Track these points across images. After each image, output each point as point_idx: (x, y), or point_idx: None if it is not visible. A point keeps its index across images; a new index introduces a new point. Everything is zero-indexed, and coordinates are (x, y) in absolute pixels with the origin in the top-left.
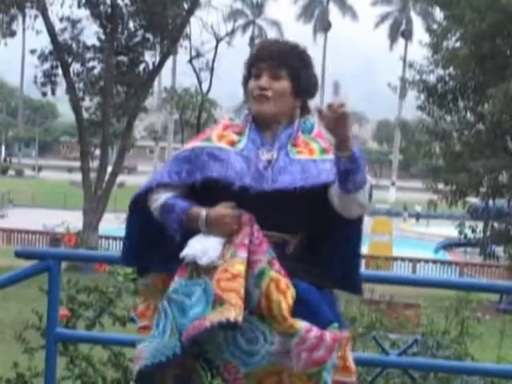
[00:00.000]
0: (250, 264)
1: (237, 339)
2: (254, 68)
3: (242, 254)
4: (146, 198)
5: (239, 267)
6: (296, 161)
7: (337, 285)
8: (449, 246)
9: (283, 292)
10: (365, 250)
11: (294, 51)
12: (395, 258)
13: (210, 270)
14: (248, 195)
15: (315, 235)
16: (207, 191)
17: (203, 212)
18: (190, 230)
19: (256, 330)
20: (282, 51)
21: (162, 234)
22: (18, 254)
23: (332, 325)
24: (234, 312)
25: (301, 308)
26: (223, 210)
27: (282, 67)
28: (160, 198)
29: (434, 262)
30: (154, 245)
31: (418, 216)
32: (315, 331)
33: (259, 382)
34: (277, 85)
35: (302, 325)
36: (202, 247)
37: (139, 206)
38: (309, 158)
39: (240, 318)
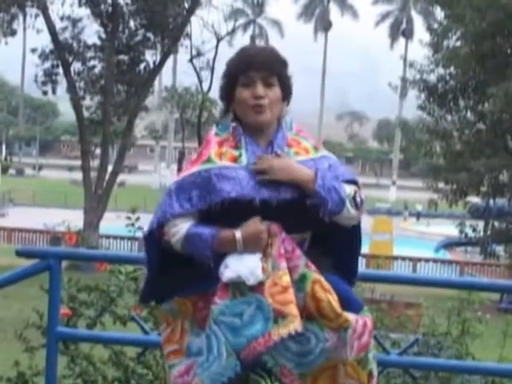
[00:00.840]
0: (289, 271)
1: (287, 344)
2: (242, 77)
3: (283, 264)
4: (160, 233)
5: (286, 278)
6: (299, 163)
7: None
8: (449, 245)
9: (328, 290)
10: (365, 249)
11: (279, 58)
12: (396, 258)
13: (256, 286)
14: (269, 206)
15: (320, 228)
16: (222, 212)
17: (238, 233)
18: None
19: (305, 332)
20: (271, 59)
21: (181, 260)
22: (19, 253)
23: (363, 310)
24: (297, 322)
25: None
26: (255, 226)
27: (274, 75)
28: (181, 230)
29: (435, 261)
30: (173, 272)
31: (418, 215)
32: (360, 319)
33: (315, 378)
34: (271, 93)
35: (351, 317)
36: (246, 267)
37: (153, 240)
38: (307, 157)
39: (301, 328)
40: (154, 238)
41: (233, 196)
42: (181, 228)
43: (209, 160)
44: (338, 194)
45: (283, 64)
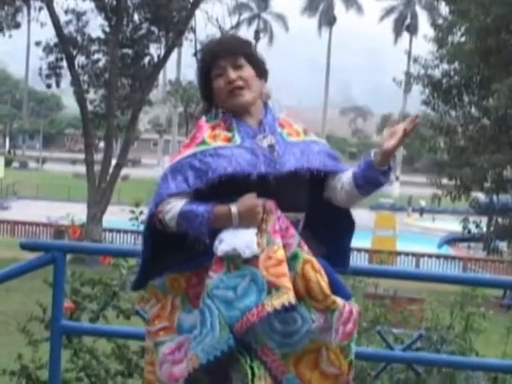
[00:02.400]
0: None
1: (272, 322)
2: (213, 69)
3: (278, 239)
4: (155, 214)
5: (281, 252)
6: (291, 143)
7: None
8: (452, 240)
9: (319, 271)
10: (368, 244)
11: (241, 39)
12: (399, 253)
13: (250, 260)
14: (265, 182)
15: (310, 213)
16: (218, 190)
17: (233, 208)
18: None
19: (292, 312)
20: (233, 43)
21: (174, 238)
22: (23, 246)
23: (351, 299)
24: (291, 294)
25: None
26: (251, 200)
27: (240, 56)
28: (175, 207)
29: (438, 256)
30: (166, 253)
31: (421, 211)
32: (347, 306)
33: (297, 360)
34: (243, 73)
35: (339, 300)
36: (241, 241)
37: (152, 226)
38: (299, 139)
39: (294, 300)
40: (153, 225)
41: (229, 171)
42: (175, 205)
43: (203, 142)
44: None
45: (246, 44)
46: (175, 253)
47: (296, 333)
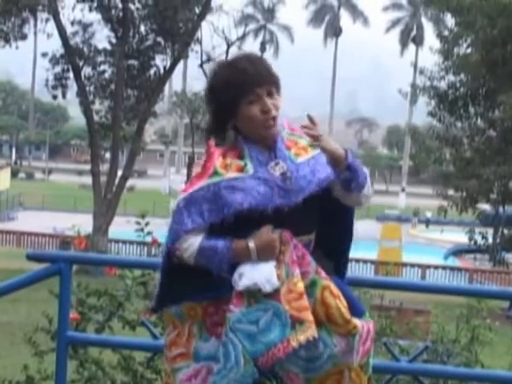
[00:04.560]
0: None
1: (296, 350)
2: (246, 96)
3: (296, 271)
4: (171, 251)
5: (300, 285)
6: (301, 164)
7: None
8: (459, 252)
9: (338, 296)
10: (374, 255)
11: (271, 67)
12: (405, 264)
13: (271, 294)
14: (280, 213)
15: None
16: (233, 223)
17: (251, 243)
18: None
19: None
20: (269, 70)
21: (192, 268)
22: (30, 257)
23: (365, 315)
24: (314, 328)
25: None
26: (268, 234)
27: (273, 85)
28: (193, 245)
29: (444, 268)
30: (184, 278)
31: (427, 222)
32: (365, 325)
33: (321, 383)
34: (276, 103)
35: (359, 323)
36: (262, 275)
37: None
38: (308, 156)
39: (317, 333)
40: (170, 257)
41: (245, 207)
42: (193, 242)
43: (215, 173)
44: (363, 169)
45: (274, 71)
46: (192, 282)
47: (319, 358)
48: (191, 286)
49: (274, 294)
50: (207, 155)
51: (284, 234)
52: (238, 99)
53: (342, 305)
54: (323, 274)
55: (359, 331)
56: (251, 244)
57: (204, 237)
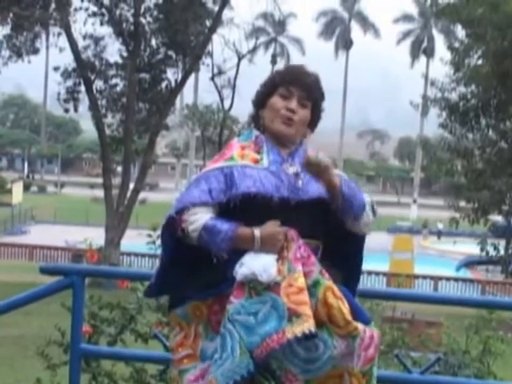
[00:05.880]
0: (303, 276)
1: (294, 348)
2: (282, 88)
3: (299, 267)
4: (178, 221)
5: (301, 280)
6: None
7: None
8: (471, 263)
9: (340, 298)
10: (386, 267)
11: (321, 88)
12: (417, 276)
13: (272, 286)
14: (286, 207)
15: (327, 241)
16: (240, 208)
17: (256, 232)
18: (232, 250)
19: (313, 339)
20: (313, 85)
21: (195, 262)
22: (43, 270)
23: (371, 324)
24: (311, 323)
25: None
26: (273, 227)
27: (310, 99)
28: (200, 219)
29: (456, 279)
30: (186, 274)
31: (439, 233)
32: (368, 331)
33: None
34: (302, 112)
35: (360, 326)
36: (260, 265)
37: (170, 231)
38: None
39: (314, 328)
40: (171, 229)
41: (253, 191)
42: (200, 217)
43: (231, 158)
44: (360, 198)
45: (322, 95)
46: (196, 281)
47: (318, 359)
48: (195, 284)
49: (275, 287)
50: (227, 146)
51: (290, 232)
52: (272, 90)
53: (344, 306)
54: (327, 275)
55: (360, 334)
56: (257, 232)
57: (212, 216)
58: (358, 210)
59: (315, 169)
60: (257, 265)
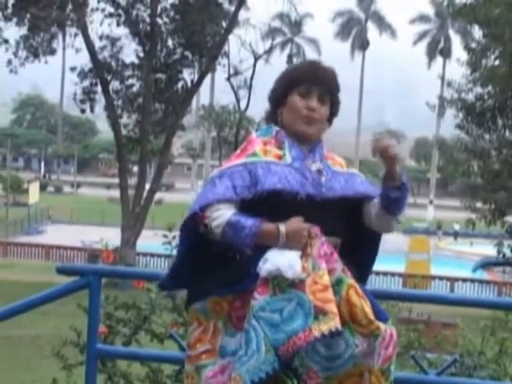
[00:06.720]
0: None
1: (316, 347)
2: (302, 87)
3: (323, 264)
4: (201, 217)
5: (326, 277)
6: (337, 172)
7: None
8: (487, 265)
9: (362, 296)
10: (402, 268)
11: (337, 81)
12: (433, 277)
13: (296, 284)
14: (311, 203)
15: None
16: (264, 205)
17: (282, 227)
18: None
19: (336, 336)
20: (333, 80)
21: (216, 258)
22: (59, 271)
23: (388, 322)
24: (337, 321)
25: None
26: (298, 223)
27: (328, 94)
28: (224, 215)
29: (472, 281)
30: (206, 269)
31: (456, 235)
32: (388, 330)
33: (340, 383)
34: (323, 109)
35: (382, 325)
36: (285, 261)
37: (191, 226)
38: (342, 170)
39: (340, 326)
40: (192, 225)
41: (278, 187)
42: (224, 213)
43: (254, 154)
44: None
45: (338, 88)
46: (218, 276)
47: (339, 357)
48: (216, 280)
49: (299, 284)
50: (247, 141)
51: (314, 229)
52: (291, 88)
53: (367, 305)
54: (349, 273)
55: (382, 333)
56: (282, 227)
57: (235, 212)
58: (403, 207)
59: (383, 153)
60: (282, 261)
